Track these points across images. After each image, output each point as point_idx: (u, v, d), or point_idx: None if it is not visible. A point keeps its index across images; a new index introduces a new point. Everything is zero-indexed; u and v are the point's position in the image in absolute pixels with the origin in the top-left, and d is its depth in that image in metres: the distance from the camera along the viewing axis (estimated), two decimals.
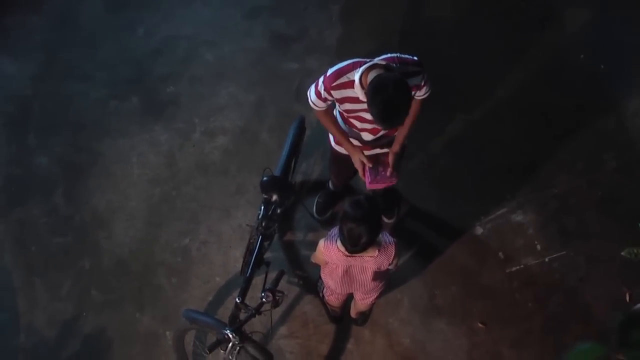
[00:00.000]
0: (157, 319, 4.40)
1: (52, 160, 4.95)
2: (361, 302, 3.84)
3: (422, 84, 3.30)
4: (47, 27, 5.52)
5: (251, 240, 4.13)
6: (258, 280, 3.87)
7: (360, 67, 3.14)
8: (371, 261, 3.26)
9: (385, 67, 3.12)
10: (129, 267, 4.57)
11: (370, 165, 3.64)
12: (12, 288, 4.51)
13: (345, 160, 3.73)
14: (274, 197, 3.97)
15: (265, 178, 3.98)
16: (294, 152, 4.39)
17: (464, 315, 4.34)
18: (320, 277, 3.84)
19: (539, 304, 4.35)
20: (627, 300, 4.28)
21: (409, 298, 4.40)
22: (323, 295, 4.12)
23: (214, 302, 4.41)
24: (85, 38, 5.45)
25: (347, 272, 3.38)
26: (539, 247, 4.52)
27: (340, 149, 3.74)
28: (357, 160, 3.65)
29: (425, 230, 4.63)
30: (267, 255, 4.16)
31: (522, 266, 4.46)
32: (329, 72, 3.25)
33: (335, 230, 3.22)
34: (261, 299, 3.48)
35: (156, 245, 4.63)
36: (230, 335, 3.49)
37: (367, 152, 3.68)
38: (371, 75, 3.06)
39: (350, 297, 4.00)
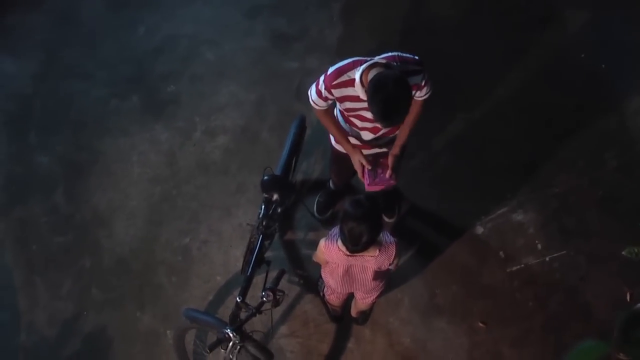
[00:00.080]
0: (158, 317, 4.40)
1: (53, 159, 4.95)
2: (362, 301, 3.84)
3: (423, 83, 3.30)
4: (47, 25, 5.52)
5: (252, 240, 4.13)
6: (259, 280, 3.87)
7: (360, 65, 3.14)
8: (372, 261, 3.26)
9: (386, 66, 3.12)
10: (130, 266, 4.57)
11: (370, 167, 3.64)
12: (12, 287, 4.52)
13: (346, 159, 3.73)
14: (275, 196, 3.97)
15: (265, 177, 3.99)
16: (295, 151, 4.39)
17: (464, 315, 4.34)
18: (320, 277, 3.83)
19: (540, 303, 4.35)
20: (628, 299, 4.27)
21: (409, 297, 4.40)
22: (323, 295, 4.12)
23: (214, 301, 4.41)
24: (85, 37, 5.46)
25: (347, 272, 3.38)
26: (539, 246, 4.52)
27: (341, 148, 3.74)
28: (356, 161, 3.65)
29: (426, 230, 4.63)
30: (268, 254, 4.16)
31: (522, 265, 4.46)
32: (330, 70, 3.25)
33: (336, 230, 3.22)
34: (262, 298, 3.48)
35: (157, 244, 4.63)
36: (231, 335, 3.50)
37: (366, 152, 3.68)
38: (372, 74, 3.06)
39: (350, 297, 4.00)
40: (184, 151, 4.94)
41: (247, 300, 3.63)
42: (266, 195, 4.00)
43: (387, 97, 2.95)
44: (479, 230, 4.58)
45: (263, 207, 4.05)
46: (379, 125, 3.36)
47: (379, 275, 3.43)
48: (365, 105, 3.11)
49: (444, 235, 4.59)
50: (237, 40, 5.38)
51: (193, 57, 5.33)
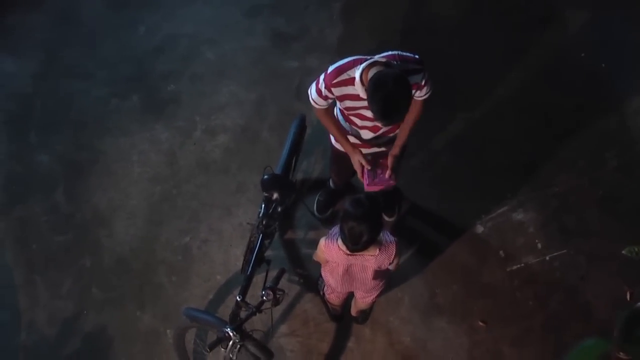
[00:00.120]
0: (158, 317, 4.40)
1: (53, 159, 4.95)
2: (362, 300, 3.83)
3: (423, 83, 3.30)
4: (48, 25, 5.52)
5: (252, 239, 4.13)
6: (259, 279, 3.87)
7: (360, 64, 3.14)
8: (372, 260, 3.26)
9: (386, 65, 3.12)
10: (130, 265, 4.57)
11: (369, 168, 3.64)
12: (13, 286, 4.51)
13: (346, 158, 3.73)
14: (275, 196, 3.97)
15: (266, 176, 3.99)
16: (295, 150, 4.39)
17: (464, 314, 4.34)
18: (320, 276, 3.83)
19: (540, 302, 4.35)
20: (628, 299, 4.27)
21: (409, 296, 4.40)
22: (323, 294, 4.11)
23: (214, 301, 4.41)
24: (86, 36, 5.46)
25: (347, 271, 3.38)
26: (539, 245, 4.52)
27: (341, 148, 3.74)
28: (356, 161, 3.66)
29: (426, 229, 4.63)
30: (268, 253, 4.17)
31: (522, 265, 4.46)
32: (330, 69, 3.26)
33: (336, 229, 3.22)
34: (262, 297, 3.48)
35: (157, 244, 4.63)
36: (231, 334, 3.50)
37: (366, 151, 3.69)
38: (371, 73, 3.06)
39: (350, 296, 4.00)
40: (184, 150, 4.95)
41: (247, 299, 3.63)
42: (266, 195, 4.00)
43: (387, 95, 2.95)
44: (479, 229, 4.59)
45: (263, 206, 4.06)
46: (379, 124, 3.37)
47: (379, 274, 3.43)
48: (365, 104, 3.12)
49: (444, 234, 4.59)
50: (237, 39, 5.38)
51: (193, 57, 5.33)
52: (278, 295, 3.49)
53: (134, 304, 4.45)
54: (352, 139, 3.64)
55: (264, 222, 3.97)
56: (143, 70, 5.28)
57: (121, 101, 5.16)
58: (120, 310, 4.43)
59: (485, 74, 5.12)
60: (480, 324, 4.30)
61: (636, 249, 3.89)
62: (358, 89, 3.16)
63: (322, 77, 3.31)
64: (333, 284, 3.62)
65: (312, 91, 3.39)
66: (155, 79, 5.24)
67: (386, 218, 4.53)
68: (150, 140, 4.99)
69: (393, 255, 3.28)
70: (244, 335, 3.55)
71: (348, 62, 3.22)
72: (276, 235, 4.37)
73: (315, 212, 4.61)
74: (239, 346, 3.57)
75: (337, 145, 3.78)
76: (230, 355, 3.62)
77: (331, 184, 4.55)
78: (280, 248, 4.56)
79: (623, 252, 3.94)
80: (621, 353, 2.70)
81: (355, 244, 3.04)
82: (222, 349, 3.61)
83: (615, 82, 5.06)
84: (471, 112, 4.97)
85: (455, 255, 4.51)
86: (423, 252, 4.53)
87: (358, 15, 5.44)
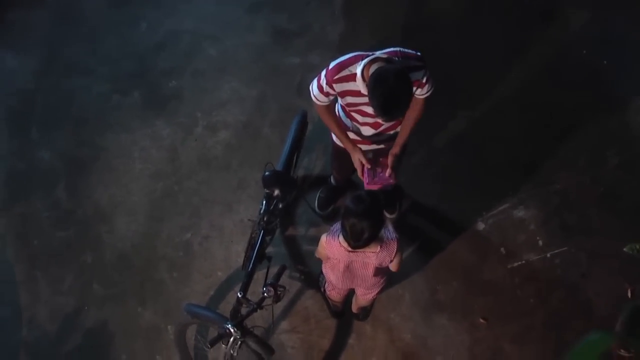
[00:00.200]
0: (159, 313, 4.41)
1: (55, 155, 4.95)
2: (362, 297, 3.83)
3: (424, 80, 3.29)
4: (49, 21, 5.52)
5: (253, 235, 4.13)
6: (260, 275, 3.87)
7: (362, 60, 3.14)
8: (373, 257, 3.26)
9: (387, 61, 3.12)
10: (131, 261, 4.57)
11: (369, 167, 3.64)
12: (14, 282, 4.52)
13: (347, 155, 3.72)
14: (276, 192, 3.97)
15: (267, 173, 3.98)
16: (296, 146, 4.39)
17: (465, 311, 4.34)
18: (321, 272, 3.84)
19: (541, 299, 4.35)
20: (629, 296, 4.27)
21: (410, 293, 4.40)
22: (324, 290, 4.11)
23: (215, 297, 4.41)
24: (87, 32, 5.46)
25: (348, 268, 3.38)
26: (540, 242, 4.52)
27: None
28: (356, 159, 3.66)
29: (427, 226, 4.63)
30: (269, 250, 4.17)
31: (523, 262, 4.46)
32: (331, 65, 3.26)
33: (337, 226, 3.22)
34: (263, 293, 3.48)
35: (158, 240, 4.63)
36: (232, 330, 3.50)
37: (367, 147, 3.69)
38: (373, 69, 3.06)
39: (351, 292, 3.99)
40: (186, 147, 4.95)
41: (248, 296, 3.63)
42: (267, 191, 4.00)
43: (387, 90, 2.95)
44: (480, 226, 4.58)
45: (264, 202, 4.06)
46: (380, 121, 3.37)
47: (379, 271, 3.43)
48: (366, 100, 3.11)
49: (445, 231, 4.59)
50: (238, 36, 5.38)
51: (195, 53, 5.33)
52: (279, 292, 3.49)
53: (135, 300, 4.45)
54: (352, 136, 3.64)
55: (265, 219, 3.97)
56: (144, 67, 5.28)
57: (122, 97, 5.16)
58: (122, 306, 4.44)
59: (486, 71, 5.11)
60: (481, 321, 4.30)
61: (637, 247, 3.90)
62: (359, 85, 3.16)
63: (323, 73, 3.31)
64: (334, 281, 3.62)
65: (314, 87, 3.39)
66: (156, 75, 5.24)
67: (387, 214, 4.53)
68: (151, 137, 4.99)
69: (394, 253, 3.28)
70: (244, 331, 3.56)
71: (349, 58, 3.21)
72: (277, 231, 4.38)
73: (316, 209, 4.61)
74: (239, 342, 3.58)
75: (338, 142, 3.78)
76: (231, 352, 3.62)
77: (332, 180, 4.55)
78: (281, 245, 4.56)
79: (624, 249, 3.95)
80: (622, 350, 2.71)
81: (356, 241, 3.04)
82: (223, 345, 3.62)
83: (617, 80, 5.06)
84: (472, 109, 4.96)
85: (456, 253, 4.51)
86: (424, 249, 4.53)
87: (359, 12, 5.44)
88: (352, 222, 2.98)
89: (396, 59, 3.18)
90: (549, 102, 4.96)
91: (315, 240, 3.46)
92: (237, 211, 4.69)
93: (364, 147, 3.68)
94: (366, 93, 3.09)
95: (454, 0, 5.46)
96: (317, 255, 3.54)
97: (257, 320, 3.92)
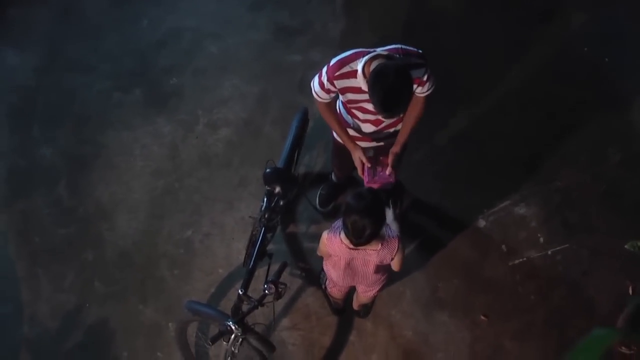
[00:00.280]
0: (160, 310, 4.41)
1: (56, 152, 4.95)
2: (363, 294, 3.83)
3: (425, 78, 3.28)
4: (50, 18, 5.52)
5: (254, 232, 4.12)
6: (261, 272, 3.86)
7: (363, 57, 3.14)
8: (374, 254, 3.26)
9: (388, 58, 3.12)
10: (132, 259, 4.58)
11: (369, 166, 3.64)
12: (15, 279, 4.52)
13: (348, 152, 3.72)
14: (277, 189, 3.96)
15: (268, 170, 3.98)
16: (297, 144, 4.38)
17: (466, 308, 4.34)
18: (322, 269, 3.84)
19: (542, 297, 4.35)
20: (630, 293, 4.27)
21: (411, 290, 4.40)
22: (325, 287, 4.12)
23: (216, 294, 4.41)
24: (88, 30, 5.46)
25: (349, 265, 3.38)
26: (542, 240, 4.52)
27: None
28: (356, 158, 3.66)
29: (428, 223, 4.62)
30: (270, 247, 4.18)
31: (525, 259, 4.46)
32: (332, 61, 3.25)
33: (338, 223, 3.21)
34: (264, 290, 3.48)
35: (159, 237, 4.64)
36: (233, 327, 3.50)
37: (367, 144, 3.69)
38: (374, 65, 3.06)
39: (352, 290, 4.00)
40: (187, 144, 4.95)
41: (249, 293, 3.63)
42: (268, 188, 4.00)
43: (387, 87, 2.95)
44: (482, 223, 4.58)
45: (265, 199, 4.05)
46: (380, 118, 3.37)
47: (380, 269, 3.43)
48: (367, 97, 3.11)
49: (447, 228, 4.59)
50: (240, 33, 5.38)
51: (196, 51, 5.32)
52: (280, 289, 3.49)
53: (136, 297, 4.46)
54: (352, 133, 3.64)
55: (266, 216, 3.97)
56: (146, 64, 5.28)
57: (124, 95, 5.16)
58: (123, 303, 4.44)
59: (487, 68, 5.11)
60: (482, 318, 4.30)
61: (638, 244, 3.89)
62: (360, 82, 3.16)
63: (324, 69, 3.30)
64: (335, 278, 3.62)
65: (315, 84, 3.38)
66: (158, 72, 5.24)
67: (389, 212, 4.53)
68: (152, 134, 4.99)
69: (395, 250, 3.27)
70: (245, 328, 3.56)
71: (351, 54, 3.21)
72: (278, 229, 4.39)
73: (318, 206, 4.61)
74: (240, 339, 3.58)
75: (339, 139, 3.78)
76: (232, 349, 3.62)
77: (333, 177, 4.55)
78: (282, 242, 4.56)
79: (626, 246, 3.94)
80: (623, 347, 2.71)
81: (358, 238, 3.03)
82: (224, 343, 3.62)
83: (618, 77, 5.05)
84: (473, 107, 4.96)
85: (457, 250, 4.51)
86: (425, 246, 4.53)
87: (360, 9, 5.44)
88: (354, 219, 2.98)
89: (397, 56, 3.17)
90: (550, 99, 4.96)
91: (316, 238, 3.45)
92: (238, 208, 4.69)
93: (365, 145, 3.68)
94: (367, 90, 3.09)
95: None
96: (318, 252, 3.54)
97: (258, 318, 3.92)
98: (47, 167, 4.90)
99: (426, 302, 4.37)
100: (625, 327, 2.69)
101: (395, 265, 3.40)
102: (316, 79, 3.37)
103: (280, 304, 4.21)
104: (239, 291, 3.60)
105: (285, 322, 4.33)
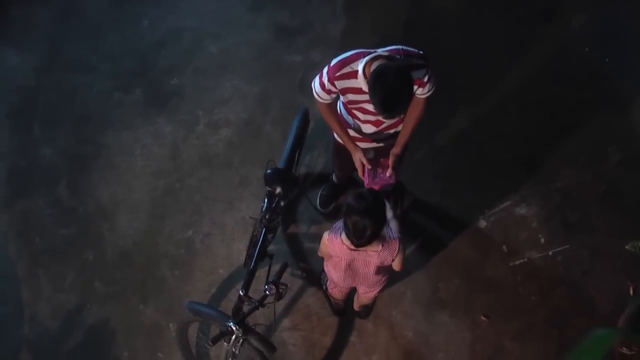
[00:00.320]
0: (161, 310, 4.41)
1: (56, 152, 4.95)
2: (364, 295, 3.83)
3: (426, 79, 3.27)
4: (51, 18, 5.51)
5: (255, 233, 4.13)
6: (261, 273, 3.86)
7: (364, 57, 3.13)
8: (374, 255, 3.25)
9: (389, 58, 3.12)
10: (133, 259, 4.58)
11: (370, 167, 3.64)
12: (15, 279, 4.52)
13: (349, 152, 3.72)
14: (278, 190, 3.96)
15: (269, 170, 3.98)
16: (298, 144, 4.38)
17: (467, 308, 4.34)
18: (323, 270, 3.84)
19: (543, 297, 4.35)
20: (631, 293, 4.27)
21: (412, 291, 4.40)
22: (326, 288, 4.11)
23: (217, 295, 4.41)
24: (89, 30, 5.45)
25: (350, 266, 3.37)
26: (542, 240, 4.52)
27: None
28: (357, 159, 3.65)
29: (429, 223, 4.62)
30: (271, 247, 4.17)
31: (525, 259, 4.46)
32: (333, 62, 3.25)
33: (339, 223, 3.21)
34: (264, 291, 3.48)
35: (159, 238, 4.63)
36: (234, 327, 3.51)
37: (367, 145, 3.69)
38: (374, 66, 3.05)
39: (353, 290, 3.99)
40: (187, 144, 4.94)
41: (250, 294, 3.63)
42: (269, 189, 4.00)
43: (388, 87, 2.94)
44: (482, 224, 4.58)
45: (266, 200, 4.05)
46: (381, 119, 3.37)
47: (381, 269, 3.43)
48: (368, 97, 3.11)
49: (447, 229, 4.59)
50: (240, 33, 5.37)
51: (196, 51, 5.32)
52: (281, 290, 3.49)
53: (136, 297, 4.45)
54: (353, 133, 3.64)
55: (266, 216, 3.97)
56: (146, 64, 5.28)
57: (124, 95, 5.15)
58: (123, 303, 4.44)
59: (487, 68, 5.11)
60: (483, 318, 4.31)
61: (639, 244, 3.89)
62: (361, 82, 3.16)
63: (325, 70, 3.30)
64: (336, 279, 3.62)
65: (316, 84, 3.38)
66: (158, 72, 5.24)
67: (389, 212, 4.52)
68: (153, 134, 4.99)
69: (396, 252, 3.27)
70: (246, 329, 3.56)
71: (351, 55, 3.21)
72: (279, 229, 4.38)
73: (318, 207, 4.61)
74: (241, 340, 3.58)
75: (340, 140, 3.77)
76: (233, 349, 3.62)
77: (334, 178, 4.55)
78: (283, 242, 4.56)
79: (626, 247, 3.94)
80: (624, 348, 2.71)
81: (359, 239, 3.03)
82: (225, 343, 3.62)
83: (618, 77, 5.05)
84: (474, 107, 4.96)
85: (458, 250, 4.51)
86: (426, 246, 4.53)
87: (361, 9, 5.43)
88: (355, 219, 2.98)
89: (398, 57, 3.17)
90: (550, 99, 4.96)
91: (317, 238, 3.45)
92: (239, 209, 4.69)
93: (365, 145, 3.68)
94: (367, 90, 3.08)
95: None
96: (319, 253, 3.53)
97: (259, 318, 3.93)
98: (48, 167, 4.90)
99: (427, 303, 4.37)
100: (626, 327, 2.68)
101: (396, 266, 3.40)
102: (317, 79, 3.37)
103: (281, 304, 4.21)
104: (240, 292, 3.60)
105: (286, 322, 4.33)
